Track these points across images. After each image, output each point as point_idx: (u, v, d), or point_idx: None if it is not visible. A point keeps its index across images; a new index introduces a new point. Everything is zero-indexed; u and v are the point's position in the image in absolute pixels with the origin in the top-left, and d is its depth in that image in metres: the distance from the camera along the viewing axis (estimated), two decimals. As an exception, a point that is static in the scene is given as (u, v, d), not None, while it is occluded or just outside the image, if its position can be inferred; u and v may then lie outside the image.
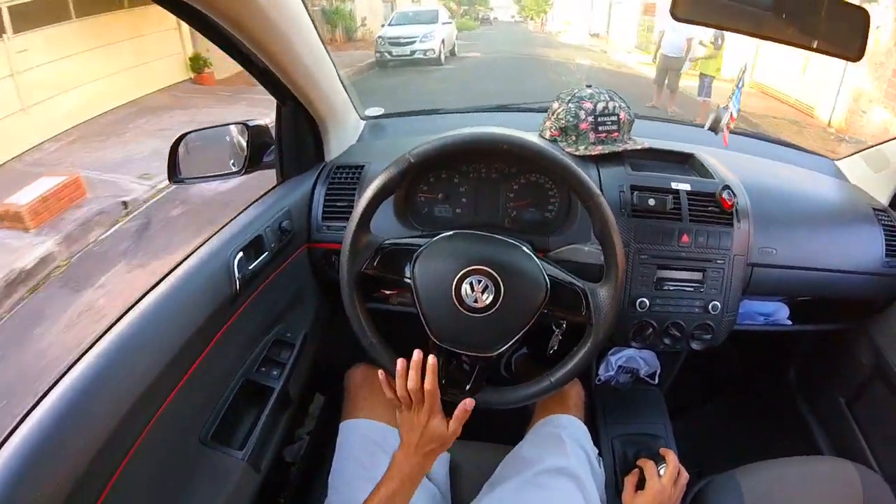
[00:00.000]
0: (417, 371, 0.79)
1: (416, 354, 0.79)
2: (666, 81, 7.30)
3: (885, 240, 1.10)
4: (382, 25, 12.89)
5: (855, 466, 0.93)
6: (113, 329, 0.70)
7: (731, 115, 1.07)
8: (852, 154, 1.34)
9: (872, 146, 1.27)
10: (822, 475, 0.94)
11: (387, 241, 0.84)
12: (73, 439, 0.59)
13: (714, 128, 1.11)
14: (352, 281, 0.82)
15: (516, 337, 0.79)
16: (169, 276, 0.81)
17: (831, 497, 0.89)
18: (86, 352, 0.67)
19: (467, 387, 0.82)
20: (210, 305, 0.82)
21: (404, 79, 10.14)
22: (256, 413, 0.92)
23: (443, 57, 11.28)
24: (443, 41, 11.36)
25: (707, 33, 6.62)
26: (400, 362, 0.80)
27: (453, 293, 0.77)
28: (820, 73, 7.34)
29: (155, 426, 0.70)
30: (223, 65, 8.58)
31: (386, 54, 10.93)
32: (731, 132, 1.22)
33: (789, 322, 1.21)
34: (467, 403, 0.79)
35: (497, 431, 1.04)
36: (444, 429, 0.79)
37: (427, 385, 0.78)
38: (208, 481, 0.81)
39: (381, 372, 0.83)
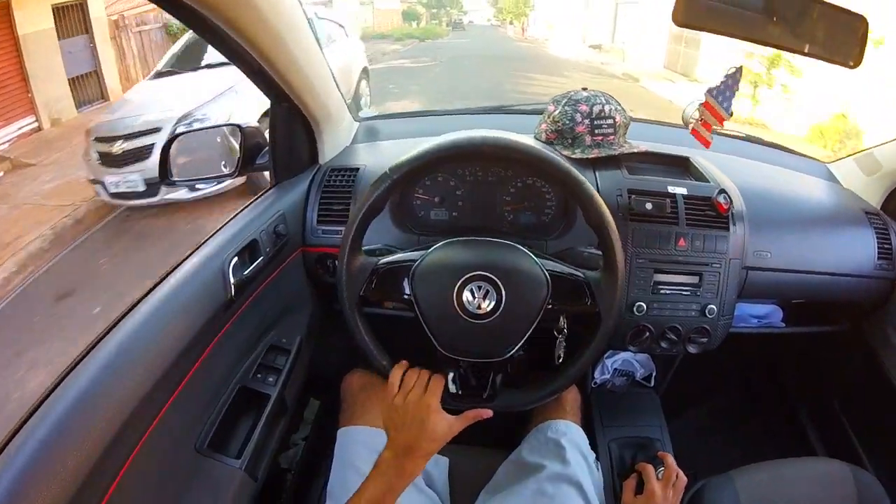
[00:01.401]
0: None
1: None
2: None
3: (877, 242, 1.11)
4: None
5: (849, 467, 0.94)
6: (108, 337, 0.69)
7: (716, 117, 1.06)
8: (845, 157, 1.36)
9: (865, 150, 1.29)
10: (816, 476, 0.95)
11: (381, 262, 0.82)
12: (70, 450, 0.58)
13: (685, 121, 1.10)
14: (353, 307, 0.81)
15: (525, 336, 0.78)
16: (163, 283, 0.79)
17: (826, 497, 0.91)
18: (80, 360, 0.66)
19: (485, 394, 0.81)
20: (205, 312, 0.81)
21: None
22: (253, 420, 0.91)
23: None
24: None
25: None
26: (401, 365, 0.80)
27: (455, 303, 0.76)
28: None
29: (151, 435, 0.69)
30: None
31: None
32: (724, 135, 1.22)
33: (783, 324, 1.22)
34: (482, 413, 0.78)
35: (494, 435, 1.04)
36: (445, 426, 0.77)
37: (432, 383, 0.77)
38: (206, 490, 0.80)
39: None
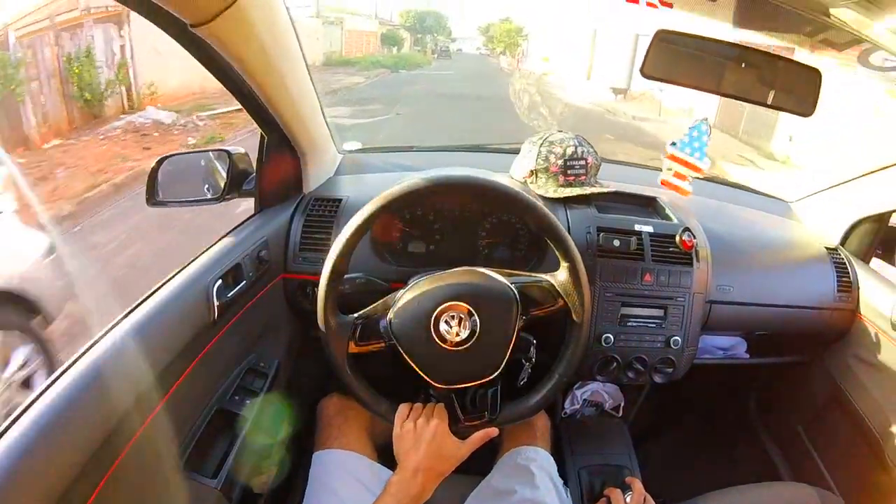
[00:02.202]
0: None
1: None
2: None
3: (837, 276, 1.18)
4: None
5: (816, 490, 0.97)
6: (87, 354, 0.69)
7: (691, 167, 1.13)
8: (806, 197, 1.43)
9: (826, 189, 1.36)
10: (784, 500, 0.98)
11: (356, 318, 0.85)
12: (46, 469, 0.58)
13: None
14: (343, 363, 0.84)
15: (509, 350, 0.81)
16: (147, 301, 0.80)
17: None
18: (59, 377, 0.66)
19: (488, 412, 0.84)
20: (188, 332, 0.82)
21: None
22: (229, 442, 0.92)
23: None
24: None
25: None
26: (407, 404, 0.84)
27: (434, 336, 0.79)
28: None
29: (129, 454, 0.70)
30: None
31: None
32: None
33: (747, 355, 1.27)
34: (490, 433, 0.82)
35: (467, 462, 1.06)
36: (456, 446, 0.80)
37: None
38: None
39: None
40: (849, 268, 1.20)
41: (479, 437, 0.82)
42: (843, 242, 1.28)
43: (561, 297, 0.84)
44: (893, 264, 1.24)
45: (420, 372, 0.80)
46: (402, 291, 0.85)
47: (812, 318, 1.18)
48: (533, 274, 0.87)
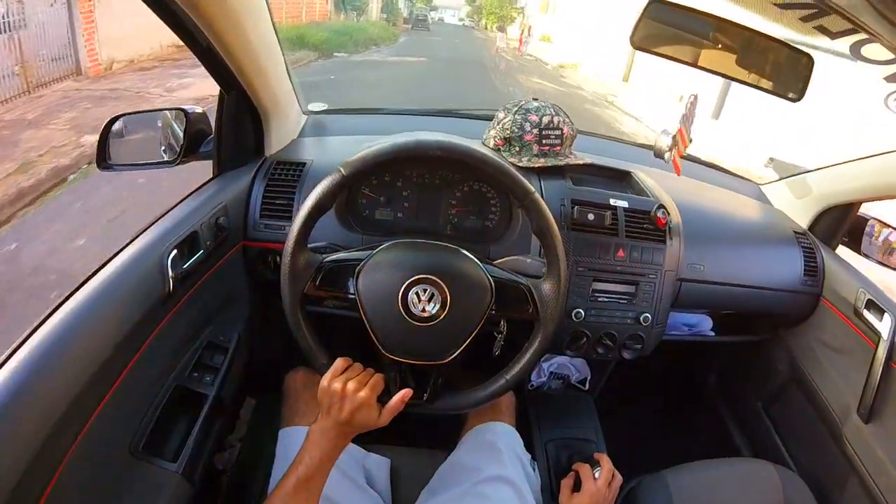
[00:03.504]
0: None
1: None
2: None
3: (804, 260, 1.20)
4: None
5: (774, 466, 1.01)
6: (37, 333, 0.64)
7: (684, 143, 1.11)
8: (778, 180, 1.44)
9: (797, 174, 1.37)
10: (744, 475, 1.01)
11: (327, 259, 0.81)
12: None
13: (659, 154, 1.15)
14: (296, 304, 0.79)
15: (467, 341, 0.79)
16: (97, 275, 0.75)
17: (754, 495, 0.97)
18: (5, 361, 0.61)
19: (424, 395, 0.81)
20: (142, 306, 0.77)
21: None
22: (189, 421, 0.88)
23: None
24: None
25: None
26: (346, 359, 0.80)
27: (400, 304, 0.76)
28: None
29: (84, 439, 0.66)
30: None
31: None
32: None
33: (712, 333, 1.29)
34: (404, 394, 0.78)
35: (433, 437, 1.05)
36: (373, 418, 0.77)
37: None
38: (142, 496, 0.76)
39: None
40: (816, 253, 1.22)
41: (394, 405, 0.78)
42: (811, 227, 1.30)
43: (536, 306, 0.82)
44: (859, 252, 1.27)
45: (373, 335, 0.77)
46: (378, 249, 0.81)
47: (778, 299, 1.20)
48: (517, 274, 0.84)
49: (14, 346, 0.63)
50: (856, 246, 1.27)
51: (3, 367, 0.60)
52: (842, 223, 1.27)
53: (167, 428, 0.85)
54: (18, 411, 0.58)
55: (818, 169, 1.31)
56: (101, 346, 0.69)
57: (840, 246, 1.30)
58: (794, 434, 1.29)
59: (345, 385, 0.76)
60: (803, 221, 1.31)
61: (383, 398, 0.78)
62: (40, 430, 0.59)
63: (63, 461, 0.62)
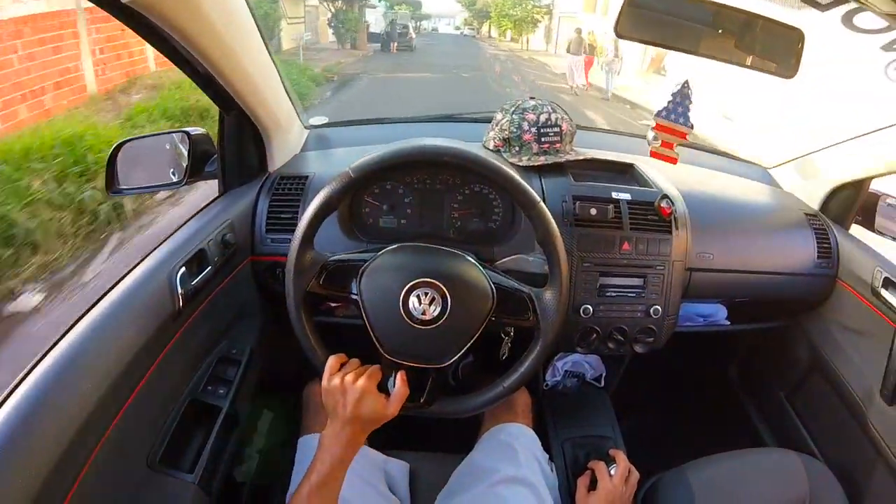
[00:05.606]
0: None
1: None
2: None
3: (817, 243, 1.17)
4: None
5: (799, 456, 0.98)
6: (52, 352, 0.67)
7: (678, 133, 1.10)
8: (785, 162, 1.42)
9: (805, 154, 1.35)
10: (768, 466, 0.98)
11: (331, 258, 0.82)
12: (15, 472, 0.56)
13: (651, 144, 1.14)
14: (298, 300, 0.81)
15: (466, 346, 0.79)
16: (108, 295, 0.77)
17: (779, 486, 0.94)
18: (23, 378, 0.63)
19: (422, 398, 0.82)
20: (153, 323, 0.79)
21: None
22: (205, 433, 0.90)
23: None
24: None
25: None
26: (339, 356, 0.80)
27: (401, 307, 0.77)
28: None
29: (100, 453, 0.67)
30: None
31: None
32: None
33: (728, 322, 1.27)
34: (404, 374, 0.78)
35: (451, 441, 1.05)
36: (381, 406, 0.77)
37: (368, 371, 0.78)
38: None
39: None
40: (829, 234, 1.20)
41: (402, 391, 0.78)
42: (822, 208, 1.27)
43: (536, 315, 0.82)
44: (873, 230, 1.24)
45: (373, 336, 0.78)
46: (382, 252, 0.82)
47: (792, 284, 1.18)
48: (520, 282, 0.84)
49: (31, 364, 0.65)
50: (869, 224, 1.24)
51: (22, 384, 0.62)
52: (853, 202, 1.24)
53: (183, 440, 0.87)
54: (37, 425, 0.60)
55: (826, 147, 1.28)
56: (114, 363, 0.71)
57: (854, 225, 1.26)
58: (817, 422, 1.26)
59: (343, 379, 0.76)
60: (814, 202, 1.28)
61: (384, 388, 0.79)
62: (58, 443, 0.60)
63: (81, 474, 0.64)
